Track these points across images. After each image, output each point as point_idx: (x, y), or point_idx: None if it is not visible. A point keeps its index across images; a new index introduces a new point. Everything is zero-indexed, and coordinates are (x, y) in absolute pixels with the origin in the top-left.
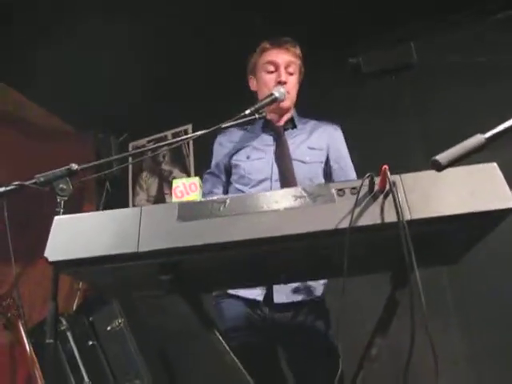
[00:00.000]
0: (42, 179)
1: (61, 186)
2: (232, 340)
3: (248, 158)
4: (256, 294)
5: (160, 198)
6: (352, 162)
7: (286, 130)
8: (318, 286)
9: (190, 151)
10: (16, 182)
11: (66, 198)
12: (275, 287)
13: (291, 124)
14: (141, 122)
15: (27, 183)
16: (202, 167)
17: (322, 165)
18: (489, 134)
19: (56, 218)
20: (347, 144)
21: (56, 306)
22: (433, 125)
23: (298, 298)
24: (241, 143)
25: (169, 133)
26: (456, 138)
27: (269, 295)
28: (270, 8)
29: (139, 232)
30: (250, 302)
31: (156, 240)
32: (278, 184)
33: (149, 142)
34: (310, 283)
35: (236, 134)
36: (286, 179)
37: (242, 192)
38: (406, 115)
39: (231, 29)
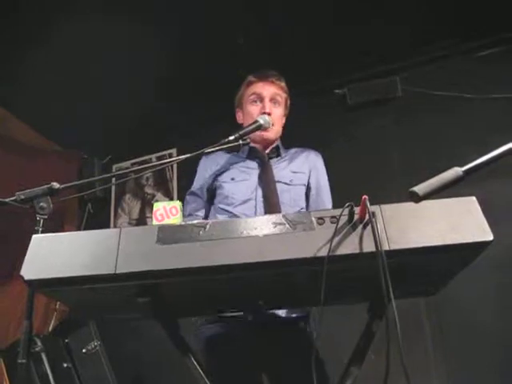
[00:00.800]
0: (22, 197)
1: (41, 204)
2: (212, 351)
3: (233, 179)
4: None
5: (142, 222)
6: (333, 189)
7: (270, 158)
8: None
9: (174, 175)
10: None
11: (45, 217)
12: None
13: (276, 152)
14: (125, 144)
15: (7, 200)
16: (185, 191)
17: (305, 188)
18: (466, 168)
19: (34, 236)
20: (330, 172)
21: (30, 325)
22: (416, 157)
23: (288, 314)
24: (226, 165)
25: (153, 156)
26: (438, 170)
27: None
28: (256, 35)
29: (117, 253)
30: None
31: (134, 262)
32: (261, 205)
33: (133, 164)
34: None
35: (221, 157)
36: (270, 201)
37: (226, 211)
38: (390, 147)
39: (216, 54)
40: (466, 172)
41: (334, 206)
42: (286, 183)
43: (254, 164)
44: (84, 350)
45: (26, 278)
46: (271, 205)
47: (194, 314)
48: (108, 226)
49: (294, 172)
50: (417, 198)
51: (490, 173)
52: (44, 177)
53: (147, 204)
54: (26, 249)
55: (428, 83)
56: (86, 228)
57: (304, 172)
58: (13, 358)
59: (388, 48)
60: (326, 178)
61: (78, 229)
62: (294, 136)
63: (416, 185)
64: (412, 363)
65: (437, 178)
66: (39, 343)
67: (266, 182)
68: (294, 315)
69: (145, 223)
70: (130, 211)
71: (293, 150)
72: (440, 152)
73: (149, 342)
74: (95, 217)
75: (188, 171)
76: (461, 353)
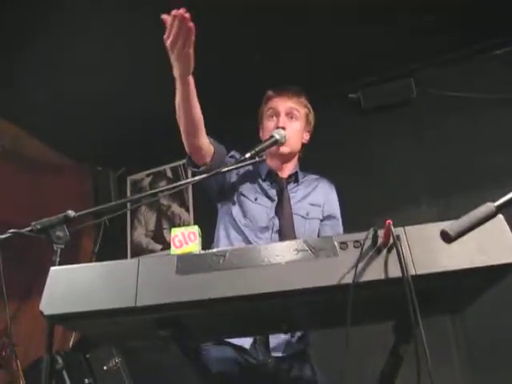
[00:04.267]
0: (38, 226)
1: (57, 233)
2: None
3: (256, 199)
4: (245, 341)
5: (159, 233)
6: (346, 199)
7: (288, 183)
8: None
9: (189, 186)
10: (11, 230)
11: (62, 246)
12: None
13: (294, 178)
14: (139, 155)
15: (23, 231)
16: (200, 202)
17: (319, 221)
18: (499, 203)
19: (52, 269)
20: (344, 181)
21: (50, 360)
22: (433, 160)
23: (289, 350)
24: (246, 179)
25: (167, 167)
26: (457, 174)
27: (260, 342)
28: (270, 44)
29: (137, 285)
30: (239, 349)
31: (154, 294)
32: (277, 236)
33: (147, 175)
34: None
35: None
36: (286, 234)
37: (243, 234)
38: (406, 152)
39: (232, 66)
40: (499, 207)
41: (352, 216)
42: (302, 216)
43: (272, 191)
44: (105, 368)
45: (46, 313)
46: (287, 239)
47: (215, 340)
48: (125, 238)
49: (312, 204)
50: (449, 239)
51: None
52: (59, 191)
53: (163, 215)
54: (43, 268)
55: (443, 84)
56: (103, 241)
57: (320, 205)
58: (34, 378)
59: (401, 50)
60: (339, 210)
61: (95, 241)
62: (308, 144)
63: (436, 189)
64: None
65: (468, 216)
66: (60, 360)
67: (284, 214)
68: (291, 352)
69: (161, 235)
70: (147, 222)
71: (310, 177)
72: (459, 155)
73: (171, 355)
74: (112, 229)
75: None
76: (488, 373)
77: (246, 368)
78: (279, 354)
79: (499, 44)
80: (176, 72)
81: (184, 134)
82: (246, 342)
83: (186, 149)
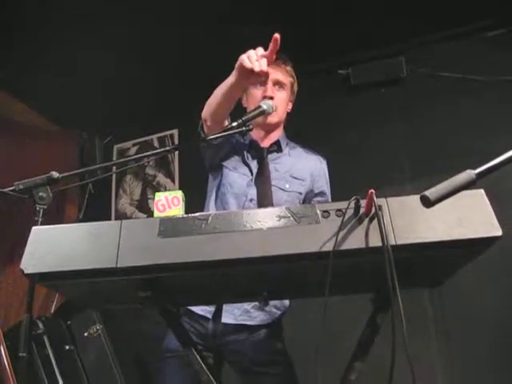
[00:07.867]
0: (21, 186)
1: (40, 194)
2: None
3: (235, 168)
4: (206, 310)
5: (143, 203)
6: (335, 174)
7: (270, 152)
8: (273, 310)
9: (175, 156)
10: None
11: (45, 207)
12: (225, 307)
13: (276, 146)
14: (127, 124)
15: (5, 190)
16: (186, 172)
17: (301, 195)
18: (479, 170)
19: (34, 228)
20: (332, 156)
21: (30, 319)
22: (421, 141)
23: (247, 321)
24: (233, 148)
25: (154, 137)
26: (444, 155)
27: (217, 314)
28: (258, 19)
29: (118, 247)
30: (200, 318)
31: (135, 256)
32: (251, 205)
33: (134, 145)
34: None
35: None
36: (263, 204)
37: (221, 202)
38: (395, 129)
39: (219, 39)
40: (479, 174)
41: (339, 195)
42: (281, 188)
43: (253, 162)
44: (86, 334)
45: (26, 271)
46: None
47: (197, 304)
48: (109, 207)
49: (294, 177)
50: (429, 203)
51: None
52: (44, 158)
53: (149, 185)
54: (27, 231)
55: (434, 64)
56: (87, 209)
57: (304, 179)
58: (15, 340)
59: (393, 27)
60: (328, 185)
61: (79, 209)
62: (295, 117)
63: (423, 170)
64: (415, 356)
65: (448, 182)
66: (41, 326)
67: (262, 184)
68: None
69: (146, 204)
70: (132, 192)
71: (298, 150)
72: (447, 135)
73: (152, 323)
74: (96, 197)
75: (189, 153)
76: (463, 341)
77: (201, 338)
78: (231, 322)
79: (491, 25)
80: (241, 80)
81: (211, 113)
82: (207, 313)
83: (204, 116)
